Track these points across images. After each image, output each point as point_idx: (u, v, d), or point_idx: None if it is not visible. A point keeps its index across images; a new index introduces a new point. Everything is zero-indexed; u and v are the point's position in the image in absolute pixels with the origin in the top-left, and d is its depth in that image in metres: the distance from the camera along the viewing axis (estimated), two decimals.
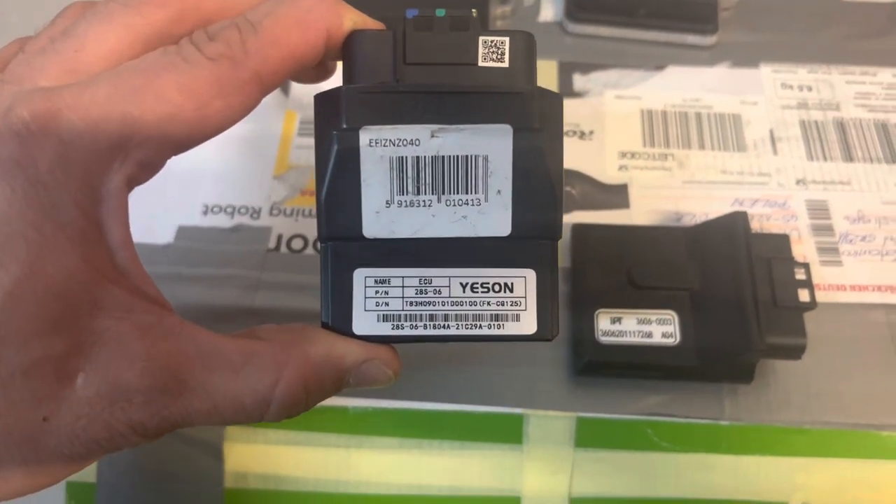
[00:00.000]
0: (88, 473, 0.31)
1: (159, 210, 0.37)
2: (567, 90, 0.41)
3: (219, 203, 0.37)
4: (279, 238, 0.36)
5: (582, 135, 0.39)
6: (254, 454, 0.31)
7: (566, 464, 0.31)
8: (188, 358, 0.18)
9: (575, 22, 0.43)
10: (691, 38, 0.42)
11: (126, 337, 0.18)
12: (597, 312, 0.32)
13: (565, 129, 0.38)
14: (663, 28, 0.42)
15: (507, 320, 0.21)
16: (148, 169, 0.19)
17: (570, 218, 0.36)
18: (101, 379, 0.17)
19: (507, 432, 0.31)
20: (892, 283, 0.34)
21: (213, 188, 0.37)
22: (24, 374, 0.17)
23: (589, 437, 0.31)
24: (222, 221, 0.36)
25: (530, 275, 0.21)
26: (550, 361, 0.32)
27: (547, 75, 0.41)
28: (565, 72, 0.42)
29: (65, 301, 0.17)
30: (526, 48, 0.20)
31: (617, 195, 0.37)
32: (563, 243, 0.33)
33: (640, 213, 0.37)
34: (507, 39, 0.20)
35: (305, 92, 0.40)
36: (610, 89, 0.41)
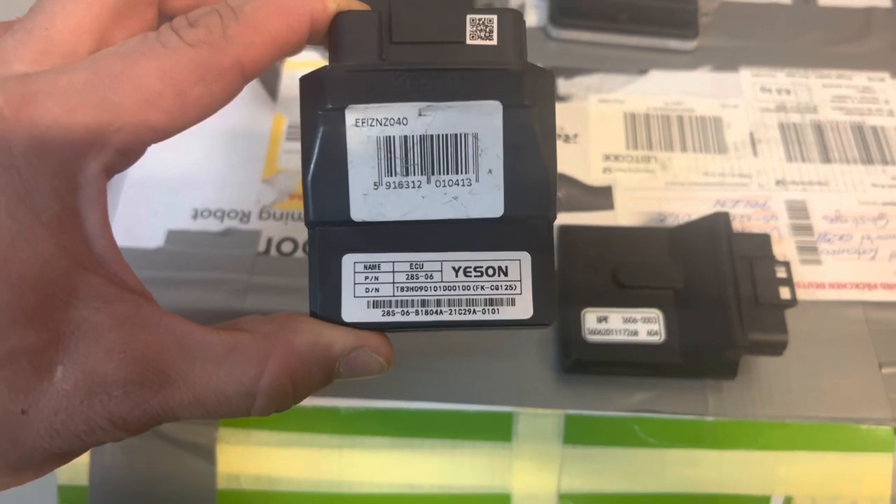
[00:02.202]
0: (80, 476, 0.31)
1: (149, 214, 0.37)
2: None
3: (208, 207, 0.37)
4: (269, 241, 0.36)
5: (567, 138, 0.40)
6: (246, 455, 0.31)
7: (555, 461, 0.31)
8: (168, 349, 0.18)
9: (558, 27, 0.44)
10: (673, 43, 0.43)
11: (103, 327, 0.17)
12: (583, 312, 0.32)
13: None
14: (645, 33, 0.43)
15: (501, 305, 0.20)
16: (127, 156, 0.18)
17: (556, 220, 0.36)
18: (79, 371, 0.17)
19: (497, 430, 0.31)
20: (869, 280, 0.35)
21: (203, 192, 0.37)
22: (0, 366, 0.16)
23: (577, 434, 0.31)
24: (212, 225, 0.37)
25: (525, 257, 0.20)
26: (538, 360, 0.32)
27: None
28: None
29: (40, 290, 0.17)
30: (514, 25, 0.20)
31: (601, 197, 0.38)
32: None
33: (624, 214, 0.37)
34: (494, 17, 0.20)
35: (293, 96, 0.40)
36: (593, 93, 0.42)
